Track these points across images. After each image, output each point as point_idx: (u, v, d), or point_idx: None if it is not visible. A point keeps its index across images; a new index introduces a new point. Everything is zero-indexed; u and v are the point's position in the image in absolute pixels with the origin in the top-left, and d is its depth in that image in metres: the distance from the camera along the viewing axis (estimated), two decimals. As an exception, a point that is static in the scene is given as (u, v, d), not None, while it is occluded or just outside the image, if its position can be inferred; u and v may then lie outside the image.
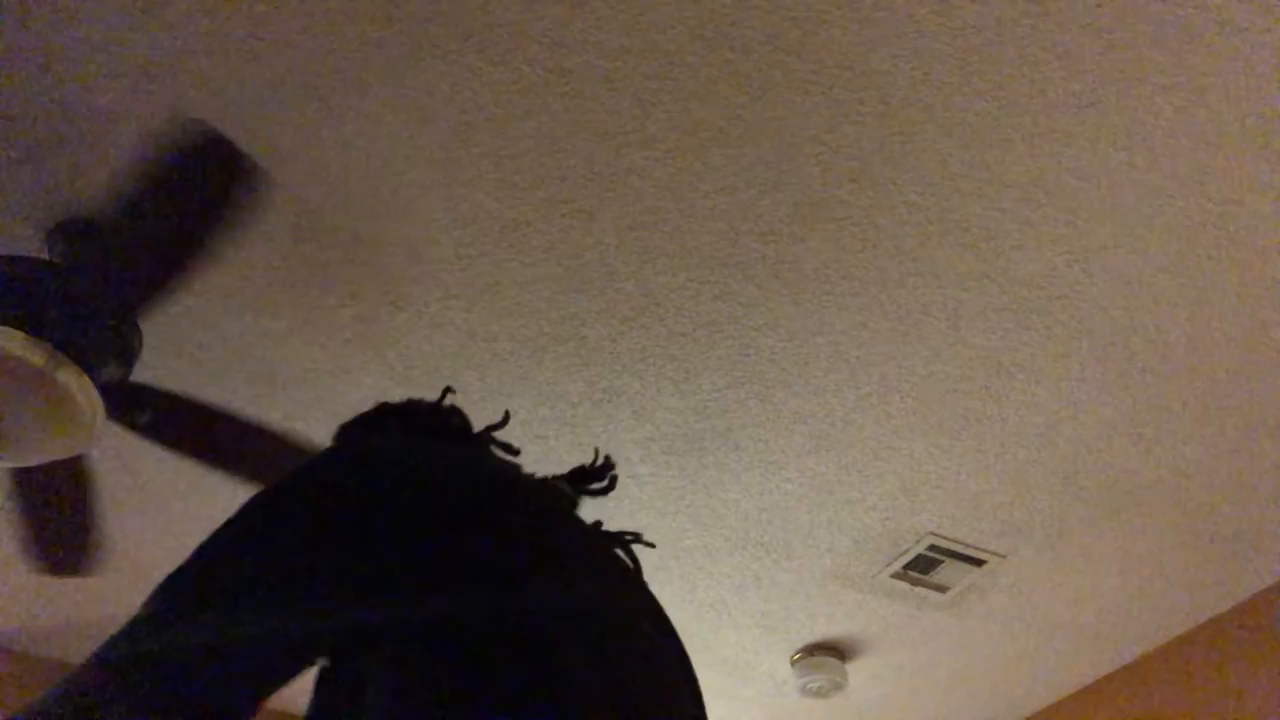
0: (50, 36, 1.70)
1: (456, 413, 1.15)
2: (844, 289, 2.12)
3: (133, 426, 2.07)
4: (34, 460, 1.94)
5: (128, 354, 1.97)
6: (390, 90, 1.79)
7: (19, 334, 1.75)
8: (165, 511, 2.66)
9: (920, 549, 2.76)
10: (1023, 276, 2.10)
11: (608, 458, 1.15)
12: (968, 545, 2.75)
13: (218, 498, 2.59)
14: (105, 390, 1.91)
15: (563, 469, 2.45)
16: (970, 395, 2.35)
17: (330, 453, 0.89)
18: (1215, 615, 3.06)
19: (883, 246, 2.04)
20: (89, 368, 1.83)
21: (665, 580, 2.90)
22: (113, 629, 0.73)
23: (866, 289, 2.12)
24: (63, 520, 2.26)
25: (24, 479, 2.16)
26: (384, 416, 1.09)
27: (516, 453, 1.15)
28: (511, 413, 2.39)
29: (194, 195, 1.84)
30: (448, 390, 1.20)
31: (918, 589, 2.89)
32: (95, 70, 1.75)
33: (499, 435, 1.16)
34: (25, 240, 1.98)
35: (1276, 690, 2.83)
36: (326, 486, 0.82)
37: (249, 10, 1.68)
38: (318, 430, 2.37)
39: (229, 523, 0.80)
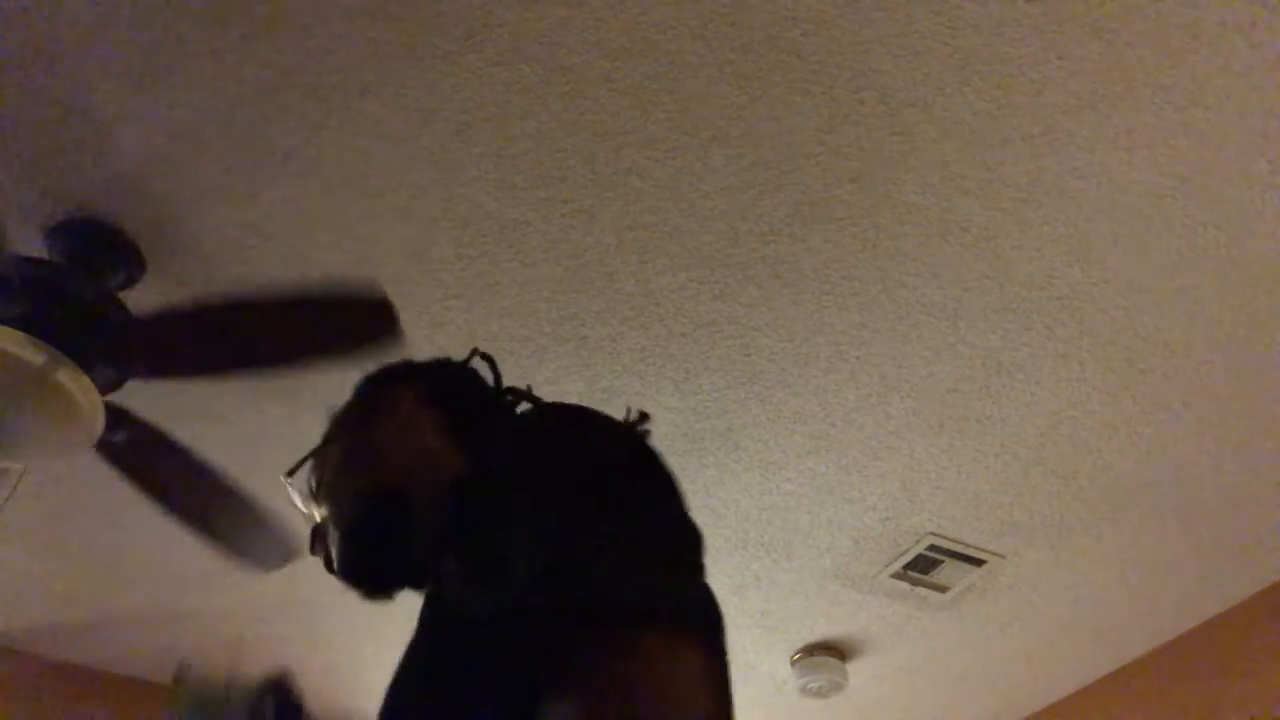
0: (50, 37, 1.70)
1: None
2: (844, 289, 2.12)
3: (100, 442, 2.02)
4: (34, 460, 1.94)
5: (128, 353, 1.97)
6: (390, 90, 1.79)
7: (19, 334, 1.75)
8: (162, 512, 2.65)
9: (920, 549, 2.76)
10: (1023, 276, 2.10)
11: (643, 414, 1.10)
12: (968, 545, 2.75)
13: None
14: (102, 392, 1.91)
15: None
16: (970, 395, 2.35)
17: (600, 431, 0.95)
18: (1215, 615, 3.05)
19: (883, 246, 2.04)
20: (89, 368, 1.83)
21: (665, 580, 2.89)
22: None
23: (866, 289, 2.12)
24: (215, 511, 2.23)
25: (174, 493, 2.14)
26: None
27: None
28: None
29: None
30: (489, 359, 1.22)
31: (918, 589, 2.89)
32: (95, 70, 1.75)
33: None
34: (25, 240, 1.98)
35: (1277, 690, 2.83)
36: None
37: (249, 10, 1.68)
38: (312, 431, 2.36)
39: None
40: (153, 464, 2.11)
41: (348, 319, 1.99)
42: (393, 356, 1.30)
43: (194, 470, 2.13)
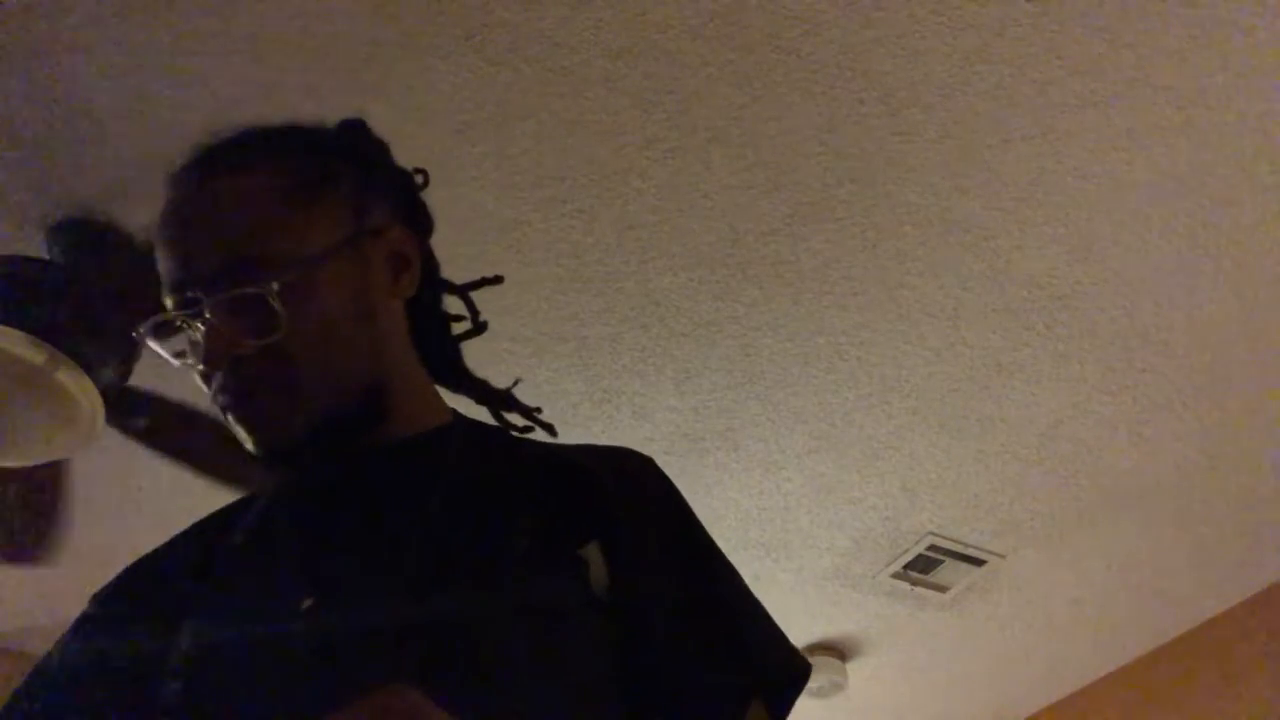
0: (50, 36, 1.70)
1: None
2: (844, 289, 2.12)
3: (128, 431, 2.06)
4: (35, 460, 1.94)
5: (128, 354, 1.97)
6: (390, 90, 1.79)
7: (19, 334, 1.75)
8: (162, 512, 2.66)
9: (920, 549, 2.76)
10: (1023, 276, 2.10)
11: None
12: (968, 545, 2.75)
13: (215, 498, 2.58)
14: (103, 393, 1.91)
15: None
16: (970, 395, 2.35)
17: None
18: (1215, 615, 3.05)
19: (883, 246, 2.04)
20: (89, 368, 1.83)
21: (665, 580, 2.89)
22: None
23: (866, 289, 2.12)
24: (25, 508, 2.23)
25: None
26: None
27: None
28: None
29: None
30: None
31: (918, 589, 2.89)
32: (95, 70, 1.75)
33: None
34: (25, 240, 1.98)
35: (1276, 690, 2.83)
36: None
37: (249, 10, 1.68)
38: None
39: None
40: (179, 434, 2.13)
41: None
42: None
43: (219, 428, 2.14)
